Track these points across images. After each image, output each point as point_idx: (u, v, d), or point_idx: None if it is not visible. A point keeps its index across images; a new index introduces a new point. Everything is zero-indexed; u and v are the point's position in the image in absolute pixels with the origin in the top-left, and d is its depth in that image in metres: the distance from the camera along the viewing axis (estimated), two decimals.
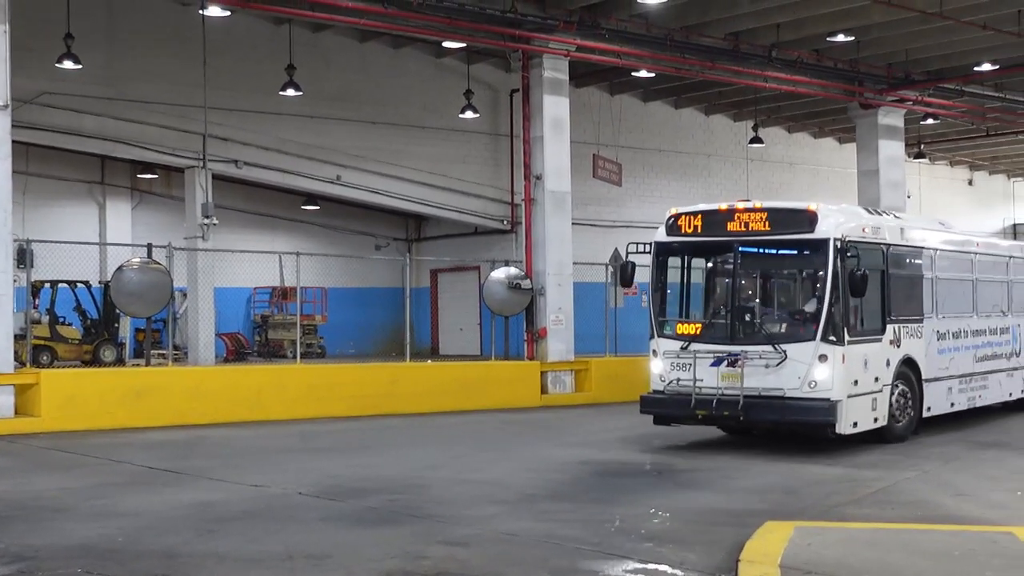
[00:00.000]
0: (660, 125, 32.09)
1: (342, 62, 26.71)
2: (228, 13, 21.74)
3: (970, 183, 44.41)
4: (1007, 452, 13.48)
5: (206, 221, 23.86)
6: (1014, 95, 28.68)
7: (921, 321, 14.85)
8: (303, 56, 24.31)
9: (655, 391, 13.83)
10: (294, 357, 21.81)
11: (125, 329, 25.09)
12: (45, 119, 22.31)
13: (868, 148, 27.92)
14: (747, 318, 13.89)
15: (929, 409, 14.81)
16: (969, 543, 7.99)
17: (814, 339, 12.88)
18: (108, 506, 10.30)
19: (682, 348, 13.64)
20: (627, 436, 15.32)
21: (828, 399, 12.77)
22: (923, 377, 14.69)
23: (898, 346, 14.19)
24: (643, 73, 26.29)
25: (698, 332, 13.95)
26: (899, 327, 14.23)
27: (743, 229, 13.60)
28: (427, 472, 12.53)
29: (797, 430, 13.60)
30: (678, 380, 13.49)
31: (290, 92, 23.98)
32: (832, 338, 12.91)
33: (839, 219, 13.34)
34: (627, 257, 14.58)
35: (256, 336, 30.35)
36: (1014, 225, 45.37)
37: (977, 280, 16.60)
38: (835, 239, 12.93)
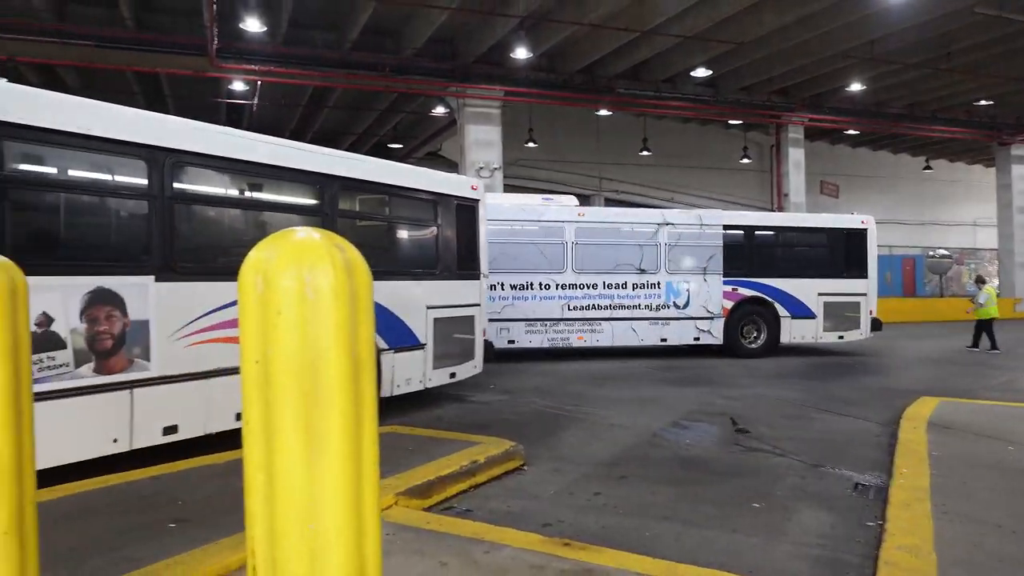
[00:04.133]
0: (863, 161, 32.65)
1: (673, 135, 27.71)
2: (610, 113, 23.43)
3: None
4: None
5: None
6: None
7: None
8: (651, 132, 25.89)
9: None
10: None
11: None
12: (518, 173, 24.88)
13: (1004, 170, 28.03)
14: None
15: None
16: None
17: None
18: (535, 369, 11.21)
19: None
20: None
21: None
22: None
23: None
24: (851, 131, 27.48)
25: None
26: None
27: None
28: (711, 360, 13.22)
29: None
30: None
31: (644, 153, 26.04)
32: None
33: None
34: None
35: None
36: None
37: (574, 244, 13.80)
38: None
